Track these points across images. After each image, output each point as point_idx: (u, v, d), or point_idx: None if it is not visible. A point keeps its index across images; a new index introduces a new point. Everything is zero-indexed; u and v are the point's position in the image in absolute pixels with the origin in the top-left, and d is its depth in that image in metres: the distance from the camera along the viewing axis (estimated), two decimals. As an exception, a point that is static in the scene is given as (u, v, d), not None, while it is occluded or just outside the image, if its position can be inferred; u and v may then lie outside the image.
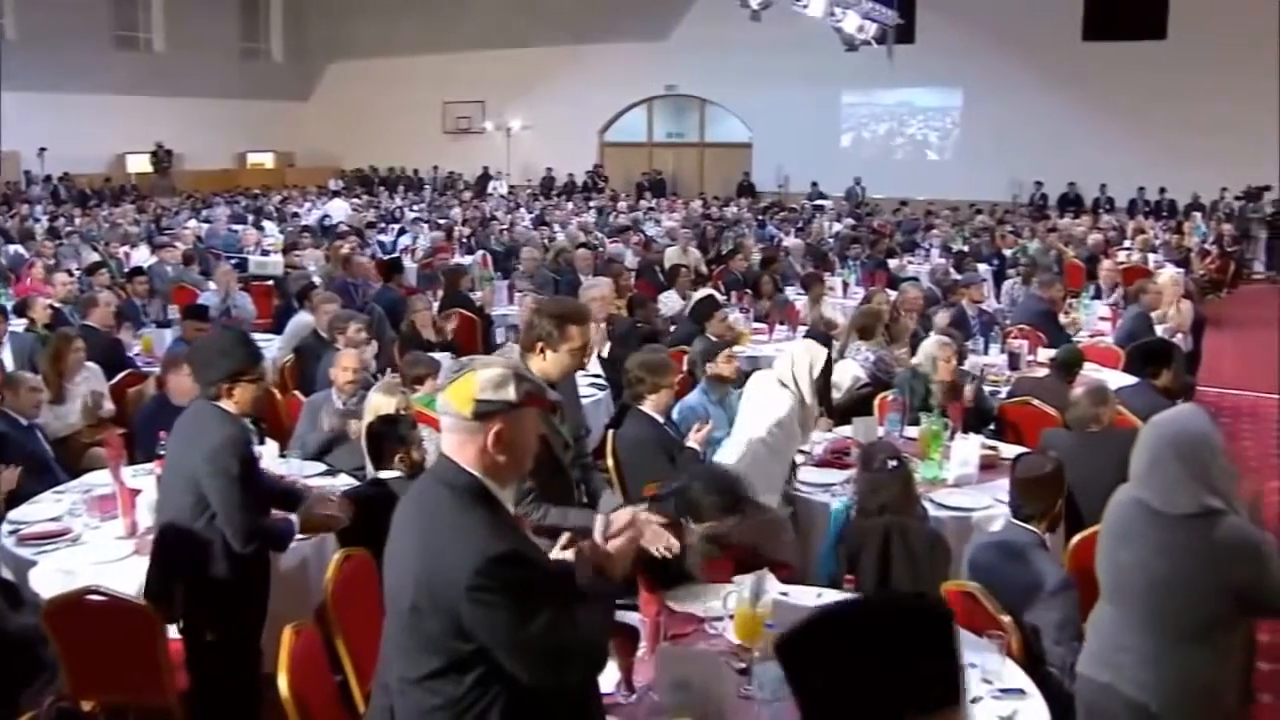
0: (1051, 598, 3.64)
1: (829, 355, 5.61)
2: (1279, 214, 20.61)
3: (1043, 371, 7.32)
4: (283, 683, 3.29)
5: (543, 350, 3.98)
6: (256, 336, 8.93)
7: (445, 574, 2.48)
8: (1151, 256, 15.26)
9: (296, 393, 7.08)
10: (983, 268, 13.02)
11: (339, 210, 20.56)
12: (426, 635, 2.54)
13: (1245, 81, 20.63)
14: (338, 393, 6.06)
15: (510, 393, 2.60)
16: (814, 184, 25.37)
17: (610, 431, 5.78)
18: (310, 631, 3.59)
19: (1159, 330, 8.90)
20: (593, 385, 7.36)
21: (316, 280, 10.86)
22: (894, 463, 4.42)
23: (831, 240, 16.39)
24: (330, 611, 3.86)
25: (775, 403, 5.23)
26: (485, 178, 28.88)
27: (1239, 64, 20.68)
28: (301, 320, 8.56)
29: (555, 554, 3.07)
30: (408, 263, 13.60)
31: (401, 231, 17.28)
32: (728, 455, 5.25)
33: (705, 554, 3.99)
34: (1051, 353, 7.89)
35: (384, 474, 4.64)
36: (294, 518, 4.18)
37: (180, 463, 3.97)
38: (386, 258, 12.81)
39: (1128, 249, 15.67)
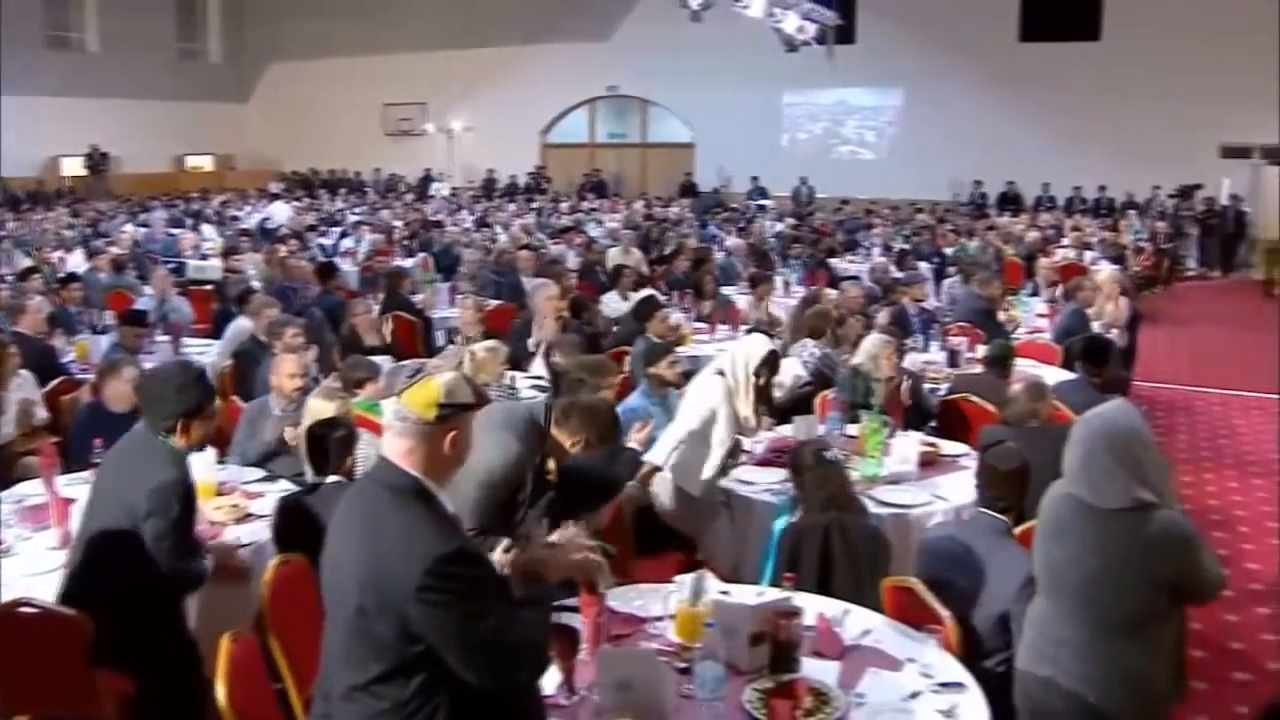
0: (1024, 587, 3.65)
1: (773, 351, 5.64)
2: (1209, 212, 20.99)
3: (981, 368, 7.39)
4: (220, 692, 3.24)
5: None
6: (194, 341, 8.97)
7: (393, 575, 2.48)
8: (1088, 254, 15.49)
9: (235, 398, 6.98)
10: (923, 266, 13.17)
11: (281, 212, 20.35)
12: (373, 639, 2.54)
13: (1176, 82, 21.01)
14: (276, 399, 5.99)
15: (468, 395, 2.68)
16: (754, 179, 25.47)
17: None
18: (248, 639, 3.54)
19: (1095, 326, 9.02)
20: (534, 387, 7.35)
21: (256, 285, 10.75)
22: (829, 453, 4.45)
23: (773, 240, 16.47)
24: (267, 619, 3.81)
25: (705, 388, 5.32)
26: (427, 180, 28.71)
27: (1170, 64, 21.06)
28: (240, 325, 8.46)
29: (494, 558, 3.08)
30: (348, 266, 13.50)
31: (343, 234, 17.14)
32: (661, 445, 5.28)
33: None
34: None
35: (323, 479, 4.58)
36: (208, 562, 4.13)
37: (118, 490, 3.90)
38: (322, 262, 12.68)
39: (1065, 246, 15.88)
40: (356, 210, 21.98)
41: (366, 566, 2.54)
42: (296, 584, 3.94)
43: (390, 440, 2.66)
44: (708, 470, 5.33)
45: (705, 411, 5.26)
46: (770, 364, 5.47)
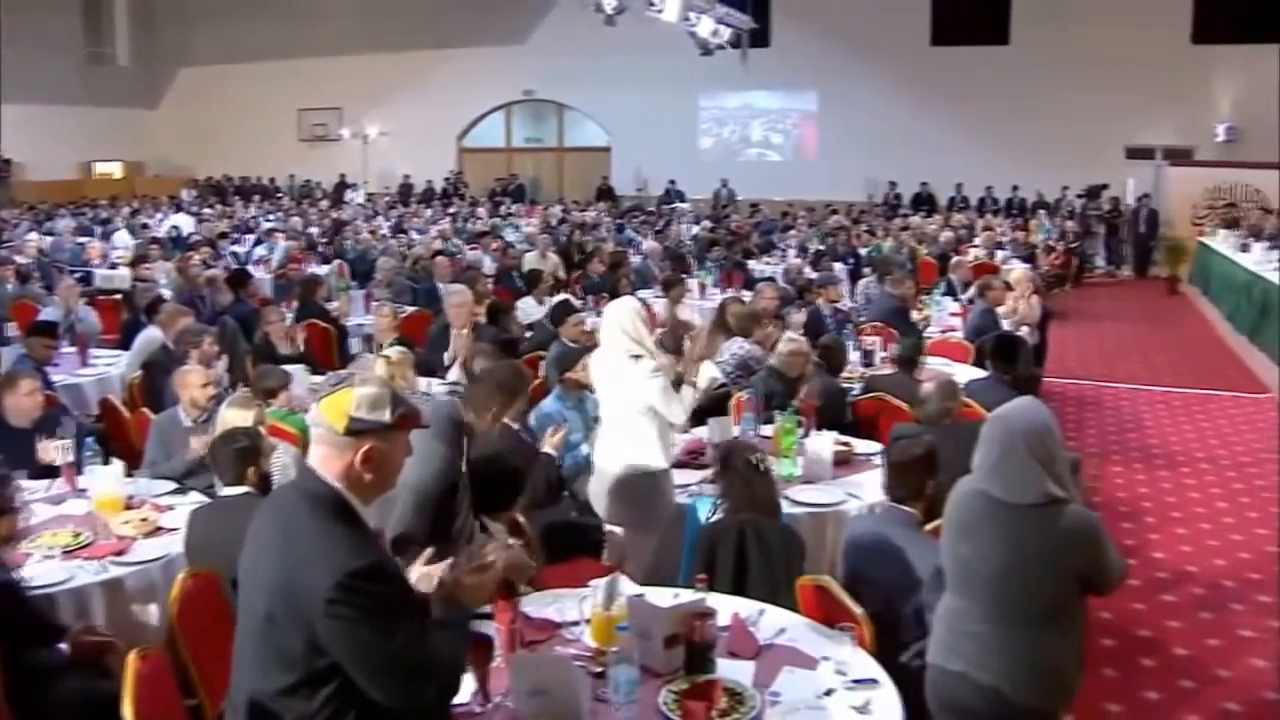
0: (934, 577, 3.69)
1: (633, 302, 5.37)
2: (1115, 211, 21.46)
3: (893, 368, 7.48)
4: (127, 711, 3.17)
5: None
6: (102, 353, 8.79)
7: (304, 585, 2.44)
8: (1000, 253, 15.77)
9: (145, 410, 6.86)
10: (839, 267, 13.31)
11: (184, 225, 19.95)
12: (281, 648, 2.50)
13: (1083, 85, 21.52)
14: (188, 411, 5.89)
15: (386, 414, 2.60)
16: (671, 182, 25.63)
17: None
18: (156, 655, 3.47)
19: (1005, 324, 9.19)
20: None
21: (166, 294, 10.55)
22: (763, 464, 4.48)
23: (689, 242, 16.55)
24: (176, 633, 3.74)
25: (645, 375, 4.98)
26: (342, 185, 28.38)
27: (1076, 68, 21.59)
28: (150, 335, 8.32)
29: (415, 571, 3.05)
30: (262, 274, 13.33)
31: (257, 242, 16.88)
32: (611, 441, 5.12)
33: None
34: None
35: (233, 490, 4.51)
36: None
37: None
38: (233, 269, 12.49)
39: (977, 246, 16.14)
40: (270, 217, 21.66)
41: (278, 574, 2.51)
42: (206, 597, 3.88)
43: (313, 447, 2.63)
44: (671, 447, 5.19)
45: (655, 401, 4.97)
46: (641, 313, 5.18)
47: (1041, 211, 21.41)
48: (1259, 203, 19.51)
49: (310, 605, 2.42)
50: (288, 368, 6.76)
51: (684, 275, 11.70)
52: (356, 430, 2.56)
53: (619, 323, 5.03)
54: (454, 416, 4.22)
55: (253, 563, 2.62)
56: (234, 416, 5.12)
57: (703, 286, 12.12)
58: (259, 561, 2.59)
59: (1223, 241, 16.48)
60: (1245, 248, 15.25)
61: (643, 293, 11.21)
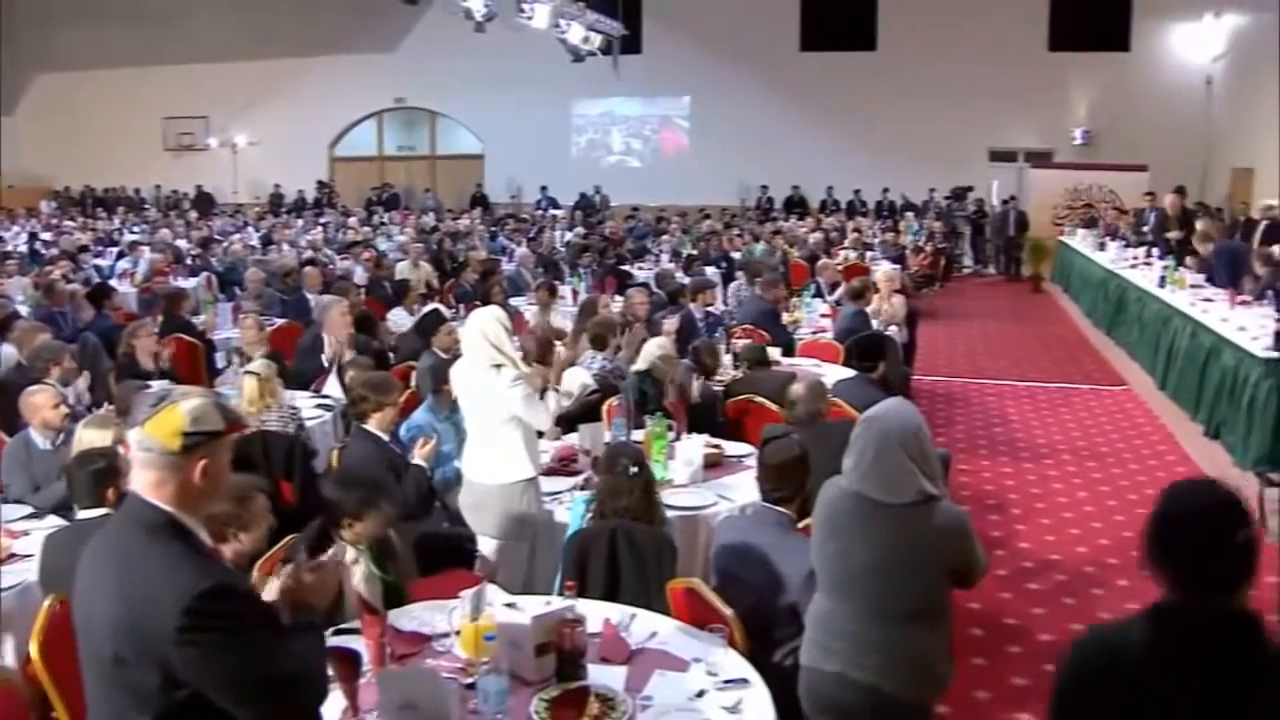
0: (809, 577, 3.71)
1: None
2: (980, 212, 22.08)
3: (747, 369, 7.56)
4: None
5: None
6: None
7: (149, 618, 2.33)
8: (869, 254, 16.10)
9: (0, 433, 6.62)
10: (711, 270, 13.43)
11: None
12: (135, 688, 2.38)
13: (947, 90, 22.17)
14: (41, 433, 5.69)
15: (217, 422, 2.51)
16: (543, 189, 25.64)
17: (335, 450, 5.67)
18: (8, 688, 3.34)
19: (875, 325, 9.37)
20: (320, 406, 7.22)
21: (22, 310, 10.19)
22: (635, 469, 4.49)
23: (563, 249, 16.55)
24: (39, 665, 3.60)
25: (506, 384, 4.94)
26: (206, 197, 27.65)
27: (941, 74, 22.19)
28: (3, 353, 8.03)
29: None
30: (127, 287, 12.97)
31: (120, 255, 16.40)
32: (478, 450, 5.10)
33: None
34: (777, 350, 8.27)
35: (91, 513, 4.38)
36: None
37: None
38: (95, 284, 12.10)
39: (846, 248, 16.45)
40: (135, 229, 21.05)
41: (120, 612, 2.38)
42: (70, 626, 3.74)
43: (138, 473, 2.50)
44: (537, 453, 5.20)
45: (517, 410, 4.94)
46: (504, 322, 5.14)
47: (910, 213, 21.89)
48: (1113, 203, 20.27)
49: (159, 638, 2.32)
50: (152, 384, 6.58)
51: (556, 282, 11.69)
52: (191, 446, 2.46)
53: (481, 331, 5.00)
54: None
55: (89, 604, 2.49)
56: (92, 436, 4.98)
57: (575, 293, 12.12)
58: (96, 601, 2.46)
59: (1081, 241, 17.06)
60: (1102, 246, 15.81)
61: (515, 300, 11.21)
